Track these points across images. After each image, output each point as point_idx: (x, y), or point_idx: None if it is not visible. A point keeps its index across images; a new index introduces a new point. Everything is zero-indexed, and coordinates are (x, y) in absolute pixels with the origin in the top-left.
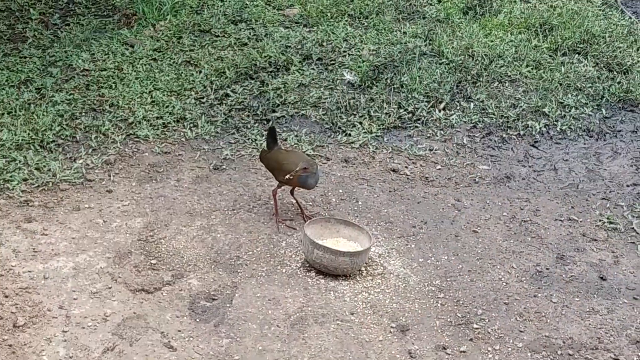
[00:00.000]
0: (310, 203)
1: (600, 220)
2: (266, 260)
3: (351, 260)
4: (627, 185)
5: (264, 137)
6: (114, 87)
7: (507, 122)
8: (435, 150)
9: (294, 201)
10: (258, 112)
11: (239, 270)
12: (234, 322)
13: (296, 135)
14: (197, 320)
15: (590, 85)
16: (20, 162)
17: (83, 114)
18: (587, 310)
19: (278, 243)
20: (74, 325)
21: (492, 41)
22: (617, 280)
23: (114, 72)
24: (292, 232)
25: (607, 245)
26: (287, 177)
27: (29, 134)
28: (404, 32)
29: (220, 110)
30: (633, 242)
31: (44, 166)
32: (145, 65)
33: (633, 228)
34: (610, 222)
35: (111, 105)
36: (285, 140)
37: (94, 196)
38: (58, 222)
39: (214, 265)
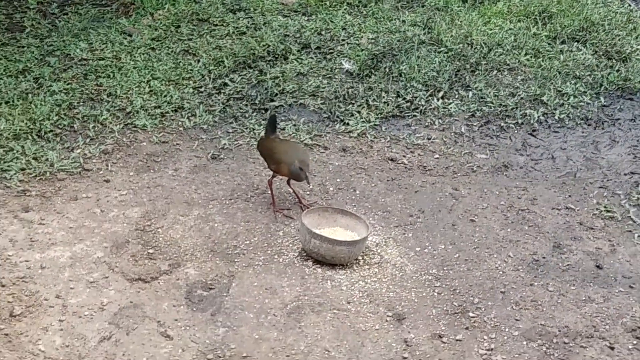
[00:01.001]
0: (308, 192)
1: (597, 209)
2: (263, 250)
3: (348, 249)
4: (625, 174)
5: (262, 127)
6: (112, 76)
7: (506, 110)
8: (434, 139)
9: (291, 190)
10: (256, 102)
11: (236, 260)
12: (230, 311)
13: (294, 125)
14: (194, 309)
15: (589, 73)
16: (17, 151)
17: (81, 103)
18: (583, 298)
19: (275, 232)
20: (71, 315)
21: (491, 29)
22: (613, 269)
23: (112, 62)
24: (289, 221)
25: (603, 234)
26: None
27: (26, 123)
28: (403, 21)
29: (219, 100)
30: (630, 231)
31: (42, 156)
32: (143, 54)
33: (630, 217)
34: (608, 211)
35: (109, 95)
36: (284, 129)
37: (92, 186)
38: (55, 212)
39: (211, 254)
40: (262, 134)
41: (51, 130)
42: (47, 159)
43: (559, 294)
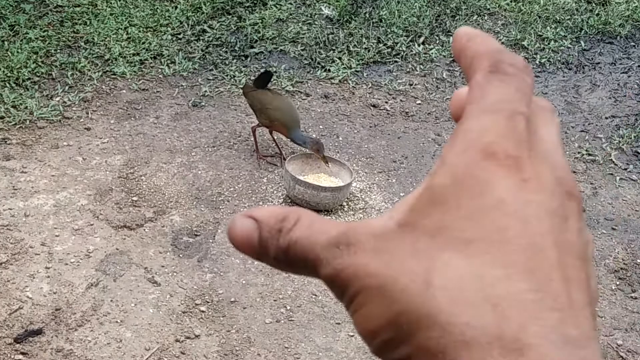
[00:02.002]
0: (290, 141)
1: (579, 152)
2: (248, 197)
3: (333, 195)
4: (606, 118)
5: (243, 73)
6: (88, 23)
7: None
8: (415, 85)
9: (272, 138)
10: (236, 48)
11: (220, 207)
12: (217, 257)
13: (275, 71)
14: (180, 255)
15: (569, 17)
16: None
17: (58, 50)
18: None
19: (259, 179)
20: (57, 262)
21: None
22: (595, 212)
23: (88, 8)
24: (273, 168)
25: (585, 177)
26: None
27: (3, 71)
28: None
29: (198, 47)
30: (611, 174)
31: (21, 104)
32: (119, 0)
33: (611, 160)
34: (589, 154)
35: (86, 42)
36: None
37: (72, 134)
38: (37, 160)
39: (196, 201)
40: (248, 81)
41: (29, 78)
42: (26, 107)
43: None
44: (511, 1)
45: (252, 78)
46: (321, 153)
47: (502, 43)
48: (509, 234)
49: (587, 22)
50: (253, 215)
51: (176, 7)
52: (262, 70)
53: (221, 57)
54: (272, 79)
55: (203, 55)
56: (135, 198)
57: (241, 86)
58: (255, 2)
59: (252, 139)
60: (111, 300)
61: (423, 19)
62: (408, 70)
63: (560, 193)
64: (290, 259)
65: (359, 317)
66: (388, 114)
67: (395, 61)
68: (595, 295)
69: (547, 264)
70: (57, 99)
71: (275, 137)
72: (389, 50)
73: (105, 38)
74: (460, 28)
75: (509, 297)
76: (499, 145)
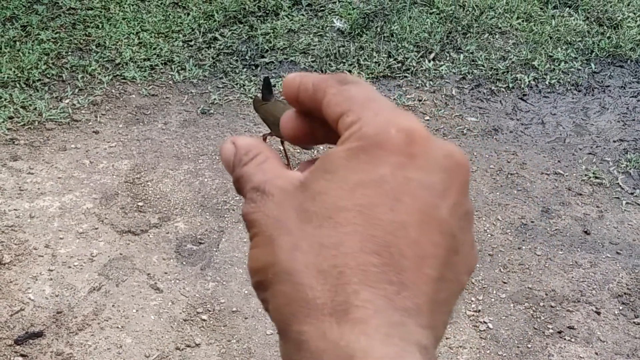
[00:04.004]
0: (298, 151)
1: (586, 175)
2: None
3: None
4: (614, 141)
5: (252, 82)
6: (100, 27)
7: (497, 74)
8: (424, 100)
9: (282, 149)
10: (247, 57)
11: (225, 215)
12: (220, 266)
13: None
14: (184, 263)
15: (580, 39)
16: (5, 99)
17: (69, 53)
18: (570, 263)
19: None
20: (60, 265)
21: None
22: (600, 235)
23: (101, 12)
24: None
25: (592, 200)
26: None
27: (14, 71)
28: None
29: (209, 54)
30: (618, 197)
31: (30, 105)
32: (132, 5)
33: (618, 183)
34: (596, 177)
35: (98, 46)
36: (274, 86)
37: (80, 136)
38: (44, 162)
39: (201, 209)
40: (257, 96)
41: (39, 80)
42: (35, 108)
43: (546, 258)
44: (523, 21)
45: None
46: None
47: (513, 62)
48: (378, 210)
49: (598, 45)
50: (235, 142)
51: (188, 14)
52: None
53: (231, 66)
54: (272, 84)
55: (213, 63)
56: (140, 203)
57: (251, 95)
58: (267, 12)
59: None
60: (113, 305)
61: (434, 35)
62: (417, 85)
63: (445, 166)
64: (237, 187)
65: (250, 255)
66: None
67: (405, 76)
68: (467, 262)
69: (404, 241)
70: (67, 101)
71: (285, 148)
72: (399, 65)
73: (117, 42)
74: (288, 75)
75: (355, 267)
76: (392, 120)
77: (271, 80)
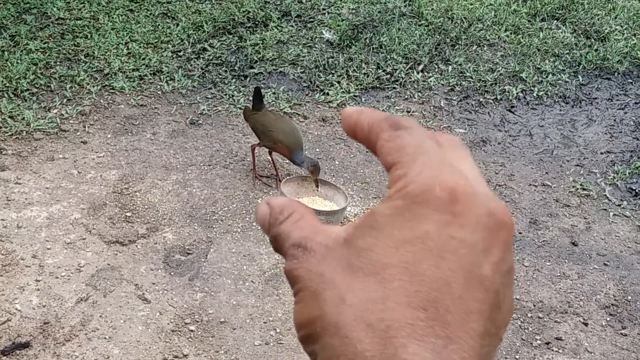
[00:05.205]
0: (287, 162)
1: (573, 187)
2: (242, 217)
3: (327, 219)
4: (601, 153)
5: (242, 93)
6: (89, 37)
7: (485, 86)
8: (413, 112)
9: (270, 159)
10: (235, 68)
11: (214, 226)
12: (208, 277)
13: (274, 93)
14: (172, 273)
15: (568, 51)
16: None
17: (58, 63)
18: (558, 274)
19: (254, 200)
20: (48, 275)
21: (471, 4)
22: (588, 246)
23: (90, 22)
24: (268, 189)
25: (579, 212)
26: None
27: (2, 81)
28: None
29: (198, 65)
30: (605, 209)
31: (18, 114)
32: (121, 15)
33: (605, 195)
34: (584, 189)
35: (86, 56)
36: (263, 97)
37: (69, 147)
38: (32, 172)
39: (189, 219)
40: (247, 106)
41: (27, 89)
42: (23, 118)
43: (534, 269)
44: (511, 33)
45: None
46: (315, 175)
47: (501, 74)
48: (423, 266)
49: (586, 57)
50: (269, 202)
51: (177, 25)
52: (253, 90)
53: (220, 76)
54: (263, 93)
55: (203, 73)
56: (128, 214)
57: (240, 106)
58: (256, 23)
59: (250, 157)
60: (100, 316)
61: (423, 47)
62: (406, 97)
63: (488, 225)
64: (275, 245)
65: (295, 310)
66: None
67: (394, 87)
68: (507, 316)
69: (449, 297)
70: (55, 111)
71: (273, 158)
72: (388, 76)
73: (106, 52)
74: (346, 108)
75: (402, 321)
76: (436, 179)
77: (261, 90)
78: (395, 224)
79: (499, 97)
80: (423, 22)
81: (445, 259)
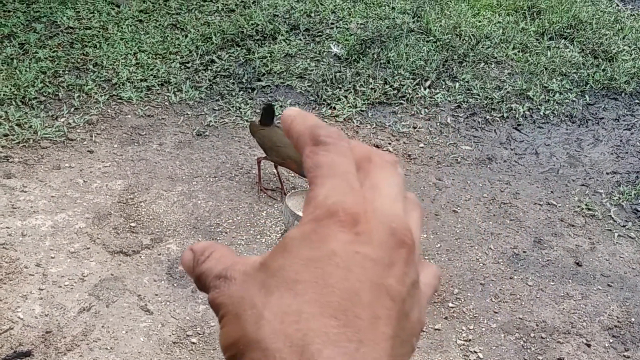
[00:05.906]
0: (293, 175)
1: (578, 206)
2: (246, 229)
3: None
4: (607, 173)
5: (249, 105)
6: (98, 46)
7: (492, 103)
8: (419, 128)
9: (276, 172)
10: (243, 80)
11: (218, 238)
12: None
13: (281, 106)
14: (175, 285)
15: (575, 71)
16: (1, 117)
17: (66, 72)
18: (562, 294)
19: (258, 213)
20: (51, 284)
21: (479, 21)
22: (592, 267)
23: (99, 32)
24: (272, 202)
25: (584, 232)
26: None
27: (10, 89)
28: (393, 8)
29: (205, 76)
30: (610, 230)
31: (25, 122)
32: (130, 26)
33: (610, 215)
34: (589, 209)
35: (95, 65)
36: (275, 115)
37: (75, 155)
38: (38, 180)
39: (194, 231)
40: (254, 121)
41: (35, 98)
42: (30, 126)
43: (538, 289)
44: (519, 51)
45: (258, 115)
46: None
47: (508, 92)
48: (332, 279)
49: (593, 77)
50: (192, 248)
51: (186, 36)
52: (263, 106)
53: (228, 88)
54: (275, 113)
55: (210, 85)
56: (133, 224)
57: (247, 118)
58: (265, 36)
59: (256, 170)
60: (102, 326)
61: (430, 63)
62: (413, 113)
63: (388, 244)
64: (200, 285)
65: (220, 334)
66: None
67: (401, 103)
68: (416, 326)
69: (359, 305)
70: (62, 119)
71: (279, 172)
72: (395, 92)
73: (114, 62)
74: (285, 110)
75: (317, 330)
76: (340, 204)
77: (274, 107)
78: (304, 245)
79: (505, 115)
80: (431, 38)
81: (352, 271)
